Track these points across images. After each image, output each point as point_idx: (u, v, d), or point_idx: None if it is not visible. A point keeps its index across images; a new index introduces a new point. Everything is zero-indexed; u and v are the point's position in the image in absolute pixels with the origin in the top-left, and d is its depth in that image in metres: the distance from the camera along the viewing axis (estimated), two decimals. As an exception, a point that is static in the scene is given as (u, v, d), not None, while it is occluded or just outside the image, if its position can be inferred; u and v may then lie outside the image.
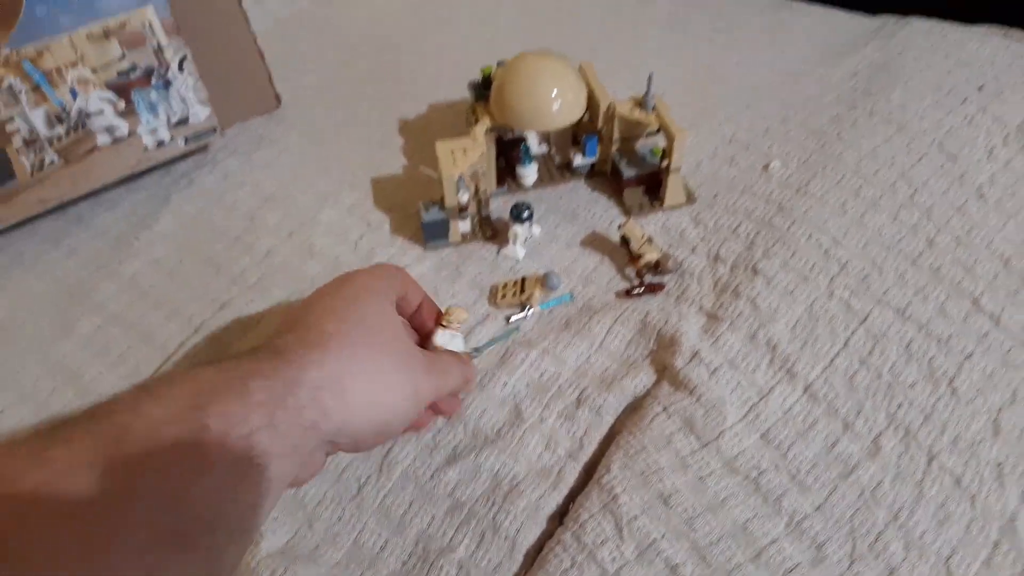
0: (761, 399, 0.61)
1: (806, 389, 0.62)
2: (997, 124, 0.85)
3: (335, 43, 1.04)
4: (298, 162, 0.86)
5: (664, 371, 0.64)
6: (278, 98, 0.92)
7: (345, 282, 0.52)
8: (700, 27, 1.05)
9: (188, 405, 0.36)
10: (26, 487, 0.32)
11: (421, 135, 0.89)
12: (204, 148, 0.86)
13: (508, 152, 0.81)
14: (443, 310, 0.59)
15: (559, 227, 0.78)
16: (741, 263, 0.72)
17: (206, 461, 0.35)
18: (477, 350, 0.65)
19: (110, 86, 0.77)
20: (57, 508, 0.31)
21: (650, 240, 0.72)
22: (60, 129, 0.76)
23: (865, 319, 0.67)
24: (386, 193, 0.82)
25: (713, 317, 0.67)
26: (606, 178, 0.82)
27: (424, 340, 0.58)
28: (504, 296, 0.71)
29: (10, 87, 0.73)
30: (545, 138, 0.84)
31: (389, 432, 0.50)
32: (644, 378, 0.64)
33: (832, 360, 0.64)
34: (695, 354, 0.63)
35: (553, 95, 0.73)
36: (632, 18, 1.07)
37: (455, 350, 0.59)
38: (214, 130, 0.84)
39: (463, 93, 0.93)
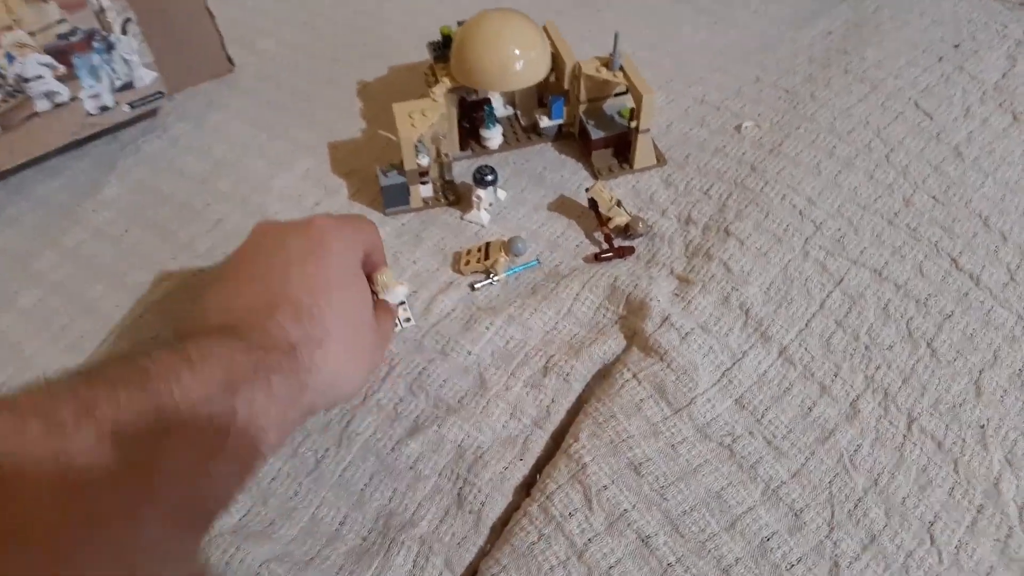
0: (735, 363, 0.59)
1: (781, 352, 0.60)
2: (974, 82, 0.83)
3: (290, 4, 1.00)
4: (251, 127, 0.82)
5: (634, 336, 0.61)
6: (231, 61, 0.88)
7: (319, 244, 0.49)
8: (671, -12, 1.02)
9: (223, 386, 0.36)
10: (41, 456, 0.29)
11: (380, 98, 0.86)
12: (152, 114, 0.82)
13: (472, 114, 0.78)
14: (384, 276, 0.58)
15: (525, 191, 0.75)
16: (713, 225, 0.69)
17: (226, 445, 0.35)
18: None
19: (49, 50, 0.72)
20: (72, 482, 0.29)
21: (619, 203, 0.69)
22: (-6, 92, 0.71)
23: (841, 280, 0.64)
24: (344, 158, 0.79)
25: (684, 280, 0.65)
26: (574, 140, 0.79)
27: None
28: (468, 263, 0.67)
29: (-63, 47, 0.68)
30: (510, 100, 0.80)
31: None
32: (613, 344, 0.61)
33: (808, 322, 0.62)
34: (666, 318, 0.61)
35: (516, 54, 0.69)
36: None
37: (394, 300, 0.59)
38: (161, 94, 0.79)
39: (424, 54, 0.89)
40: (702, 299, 0.63)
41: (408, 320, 0.63)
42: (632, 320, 0.62)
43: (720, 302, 0.63)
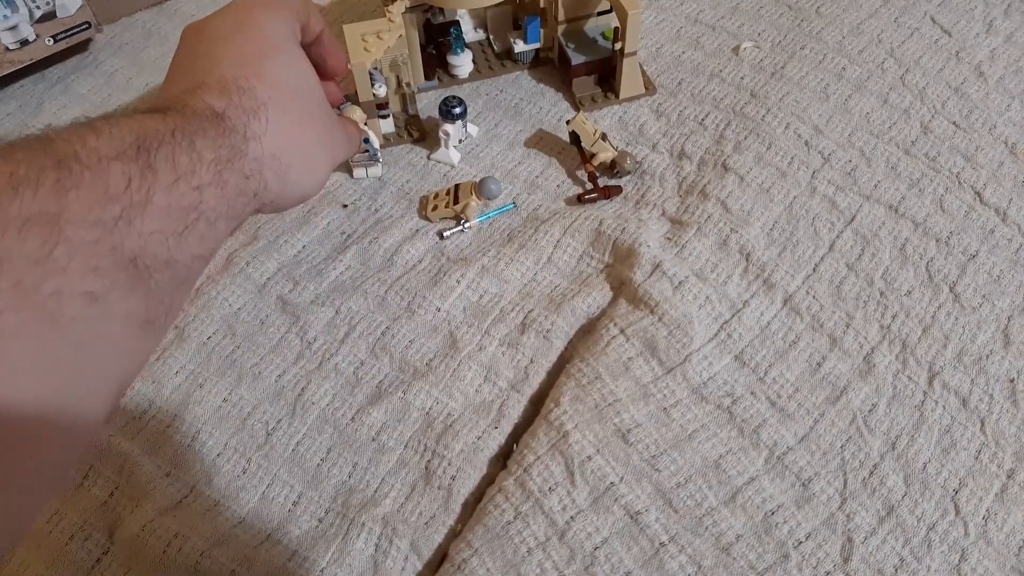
0: (734, 315, 0.53)
1: (786, 301, 0.53)
2: (997, -7, 0.75)
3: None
4: (197, 61, 0.74)
5: (621, 287, 0.55)
6: (171, -13, 0.79)
7: (244, 21, 0.46)
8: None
9: (135, 145, 0.34)
10: None
11: (332, 19, 0.77)
12: (82, 48, 0.74)
13: (438, 39, 0.70)
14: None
15: (500, 125, 0.67)
16: (709, 159, 0.62)
17: (152, 202, 0.33)
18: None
19: (-49, -30, 0.64)
20: None
21: (604, 137, 0.61)
22: None
23: (853, 218, 0.58)
24: (300, 94, 0.71)
25: (678, 223, 0.58)
26: (552, 67, 0.71)
27: (325, 77, 0.53)
28: (435, 208, 0.60)
29: None
30: (481, 22, 0.72)
31: (309, 198, 0.49)
32: (598, 297, 0.54)
33: (816, 267, 0.55)
34: (656, 266, 0.54)
35: (485, -36, 0.61)
36: None
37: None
38: (88, 25, 0.71)
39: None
40: (697, 243, 0.56)
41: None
42: (619, 269, 0.56)
43: (718, 246, 0.56)
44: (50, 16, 0.69)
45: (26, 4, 0.67)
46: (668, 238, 0.57)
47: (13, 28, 0.67)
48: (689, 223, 0.57)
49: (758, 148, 0.62)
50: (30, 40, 0.68)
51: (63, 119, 0.69)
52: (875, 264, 0.55)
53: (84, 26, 0.70)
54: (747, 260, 0.55)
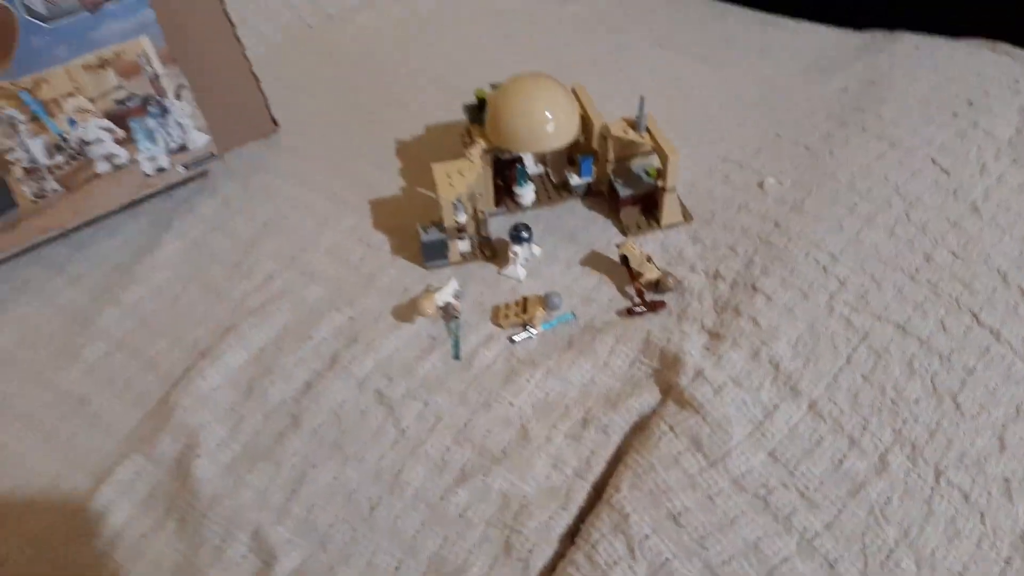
0: (766, 417, 0.62)
1: (811, 406, 0.62)
2: (988, 138, 0.86)
3: (329, 67, 1.05)
4: (297, 186, 0.86)
5: (669, 390, 0.64)
6: (275, 122, 0.93)
7: None
8: (688, 44, 1.06)
9: None
10: None
11: (418, 157, 0.90)
12: (204, 174, 0.86)
13: (505, 172, 0.82)
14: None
15: (558, 247, 0.78)
16: (741, 281, 0.72)
17: None
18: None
19: (108, 115, 0.77)
20: None
21: (649, 259, 0.72)
22: (60, 158, 0.76)
23: (866, 336, 0.67)
24: (385, 214, 0.83)
25: (715, 335, 0.68)
26: (603, 197, 0.83)
27: None
28: (507, 316, 0.71)
29: (9, 118, 0.73)
30: (541, 159, 0.84)
31: None
32: (649, 397, 0.64)
33: (835, 377, 0.64)
34: (699, 372, 0.64)
35: (547, 117, 0.74)
36: (620, 38, 1.08)
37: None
38: (213, 156, 0.84)
39: (458, 115, 0.93)
40: (733, 354, 0.66)
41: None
42: (666, 374, 0.65)
43: (750, 357, 0.66)
44: (182, 148, 0.82)
45: (164, 138, 0.80)
46: (707, 348, 0.67)
47: (152, 158, 0.80)
48: (725, 336, 0.67)
49: (782, 272, 0.72)
50: (165, 168, 0.81)
51: (187, 237, 0.81)
52: (887, 376, 0.64)
53: (209, 157, 0.83)
54: (776, 370, 0.65)
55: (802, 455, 0.59)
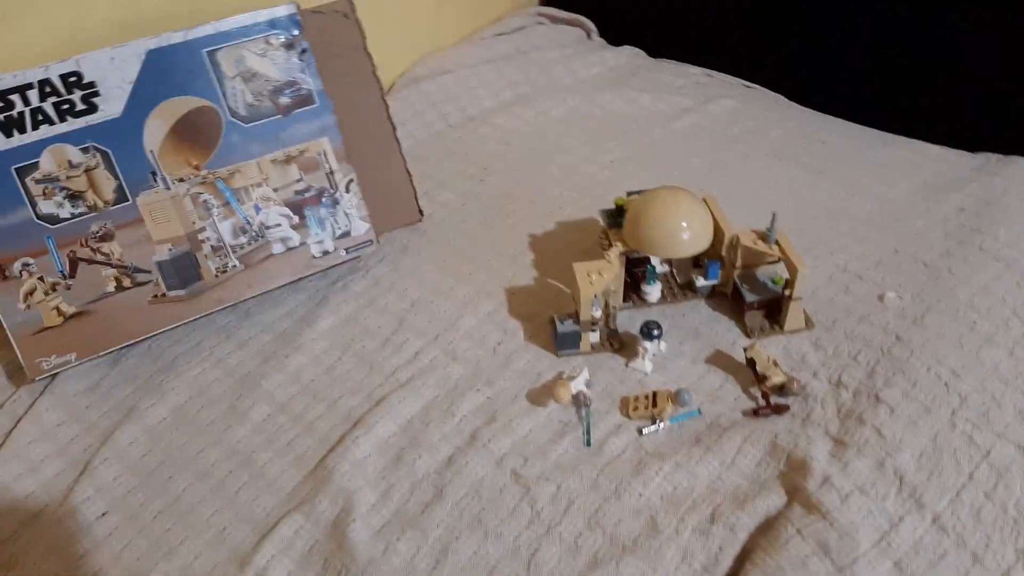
0: (892, 527, 0.64)
1: (935, 520, 0.65)
2: (1108, 265, 0.88)
3: (468, 162, 1.14)
4: (439, 271, 0.95)
5: (795, 493, 0.68)
6: (420, 212, 1.02)
7: None
8: (805, 157, 1.12)
9: None
10: None
11: (549, 250, 0.97)
12: (359, 256, 0.96)
13: (632, 270, 0.88)
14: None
15: (683, 343, 0.83)
16: (863, 390, 0.76)
17: None
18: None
19: (288, 203, 0.88)
20: None
21: (775, 363, 0.76)
22: (243, 238, 0.86)
23: (988, 453, 0.69)
24: (520, 303, 0.90)
25: (840, 443, 0.71)
26: (725, 298, 0.88)
27: None
28: (635, 408, 0.76)
29: (205, 202, 0.84)
30: (667, 259, 0.90)
31: None
32: (776, 498, 0.67)
33: (959, 492, 0.67)
34: (826, 478, 0.67)
35: (684, 227, 0.80)
36: (737, 147, 1.15)
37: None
38: (371, 242, 0.93)
39: (586, 213, 1.01)
40: (858, 462, 0.69)
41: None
42: (793, 476, 0.69)
43: (875, 466, 0.69)
44: (346, 234, 0.91)
45: (332, 225, 0.90)
46: (833, 455, 0.70)
47: (320, 242, 0.90)
48: (850, 444, 0.70)
49: (905, 386, 0.75)
50: (330, 251, 0.91)
51: (343, 312, 0.90)
52: (1008, 494, 0.66)
53: (368, 243, 0.93)
54: (900, 481, 0.68)
55: (927, 567, 0.62)
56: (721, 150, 1.14)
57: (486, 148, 1.17)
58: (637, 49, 1.40)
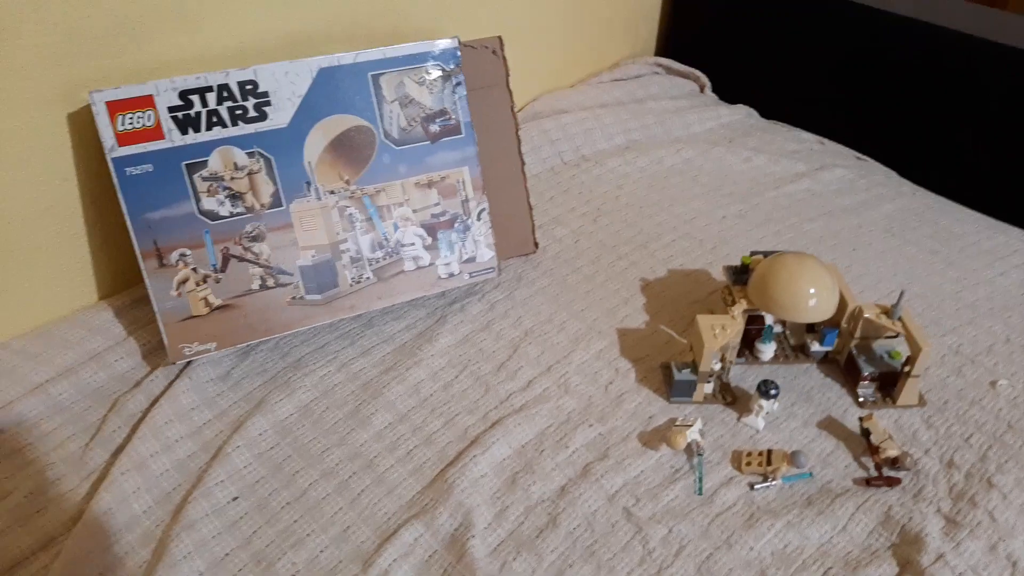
0: (1008, 613, 0.65)
1: (1051, 612, 0.65)
2: None
3: (581, 200, 1.18)
4: (552, 304, 0.98)
5: (907, 565, 0.69)
6: (536, 244, 1.05)
7: None
8: (918, 235, 1.13)
9: None
10: None
11: (661, 297, 1.00)
12: (479, 281, 0.99)
13: (747, 327, 0.90)
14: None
15: (795, 405, 0.85)
16: (976, 473, 0.76)
17: None
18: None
19: (423, 225, 0.92)
20: None
21: (890, 436, 0.78)
22: (379, 253, 0.90)
23: (1105, 552, 0.70)
24: (631, 344, 0.92)
25: (952, 522, 0.72)
26: (836, 366, 0.90)
27: None
28: (748, 463, 0.78)
29: (350, 215, 0.88)
30: (782, 320, 0.92)
31: None
32: (887, 568, 0.68)
33: (1075, 588, 0.67)
34: (940, 556, 0.68)
35: (811, 293, 0.82)
36: (850, 219, 1.17)
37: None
38: (493, 269, 0.97)
39: (698, 264, 1.03)
40: (971, 543, 0.70)
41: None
42: (905, 550, 0.70)
43: (988, 549, 0.69)
44: (471, 259, 0.95)
45: (460, 250, 0.94)
46: (945, 533, 0.71)
47: (447, 264, 0.94)
48: (962, 524, 0.71)
49: (1018, 473, 0.76)
50: (455, 274, 0.95)
51: (460, 332, 0.93)
52: None
53: (490, 270, 0.96)
54: (1013, 567, 0.68)
55: (1043, 659, 0.62)
56: (834, 219, 1.16)
57: (599, 189, 1.20)
58: (751, 108, 1.43)
